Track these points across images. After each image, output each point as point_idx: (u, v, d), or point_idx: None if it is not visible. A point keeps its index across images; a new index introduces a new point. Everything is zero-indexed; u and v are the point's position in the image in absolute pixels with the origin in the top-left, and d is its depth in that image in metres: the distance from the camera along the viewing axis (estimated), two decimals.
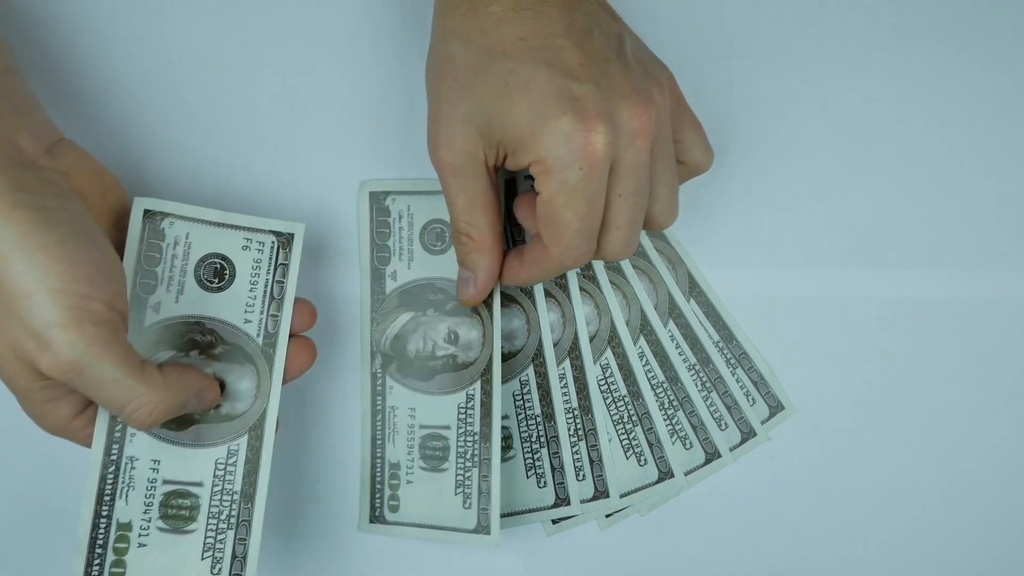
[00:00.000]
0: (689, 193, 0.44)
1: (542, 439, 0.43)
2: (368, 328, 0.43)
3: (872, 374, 0.45)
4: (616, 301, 0.44)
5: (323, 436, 0.44)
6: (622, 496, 0.44)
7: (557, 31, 0.35)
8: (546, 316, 0.44)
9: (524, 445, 0.43)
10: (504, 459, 0.43)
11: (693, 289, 0.45)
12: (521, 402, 0.44)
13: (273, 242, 0.40)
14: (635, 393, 0.44)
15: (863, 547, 0.45)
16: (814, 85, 0.45)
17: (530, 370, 0.44)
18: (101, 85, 0.43)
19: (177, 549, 0.37)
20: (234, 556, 0.37)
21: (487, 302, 0.42)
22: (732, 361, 0.45)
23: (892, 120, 0.45)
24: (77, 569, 0.37)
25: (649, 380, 0.44)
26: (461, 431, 0.42)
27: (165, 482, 0.37)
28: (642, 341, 0.45)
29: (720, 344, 0.45)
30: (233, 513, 0.37)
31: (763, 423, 0.45)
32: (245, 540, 0.37)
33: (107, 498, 0.37)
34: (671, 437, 0.44)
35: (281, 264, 0.39)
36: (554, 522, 0.44)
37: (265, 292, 0.39)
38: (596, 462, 0.43)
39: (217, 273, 0.39)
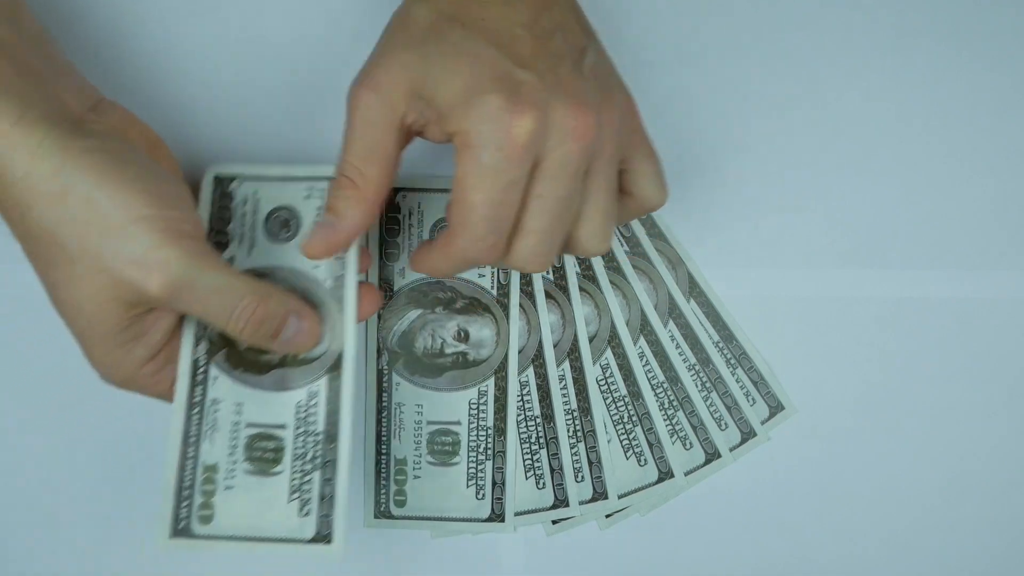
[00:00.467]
0: (690, 193, 0.44)
1: (541, 440, 0.44)
2: (375, 325, 0.43)
3: (872, 374, 0.45)
4: (616, 301, 0.44)
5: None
6: (621, 497, 0.44)
7: (520, 22, 0.35)
8: (546, 317, 0.44)
9: (523, 446, 0.44)
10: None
11: (693, 289, 0.45)
12: (520, 403, 0.44)
13: None
14: (635, 393, 0.44)
15: (863, 547, 0.45)
16: (814, 85, 0.45)
17: (530, 371, 0.44)
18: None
19: (264, 492, 0.37)
20: (322, 497, 0.37)
21: (503, 301, 0.43)
22: (732, 361, 0.45)
23: (892, 120, 0.45)
24: (165, 512, 0.37)
25: (649, 380, 0.44)
26: (473, 426, 0.43)
27: (249, 425, 0.38)
28: (642, 341, 0.45)
29: (720, 344, 0.45)
30: (318, 454, 0.37)
31: (763, 423, 0.45)
32: (332, 480, 0.37)
33: (192, 439, 0.37)
34: (671, 437, 0.44)
35: None
36: (554, 522, 0.44)
37: None
38: (595, 463, 0.44)
39: (284, 224, 0.40)
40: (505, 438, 0.43)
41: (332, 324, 0.38)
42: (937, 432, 0.45)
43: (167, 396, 0.37)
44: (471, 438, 0.43)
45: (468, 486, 0.43)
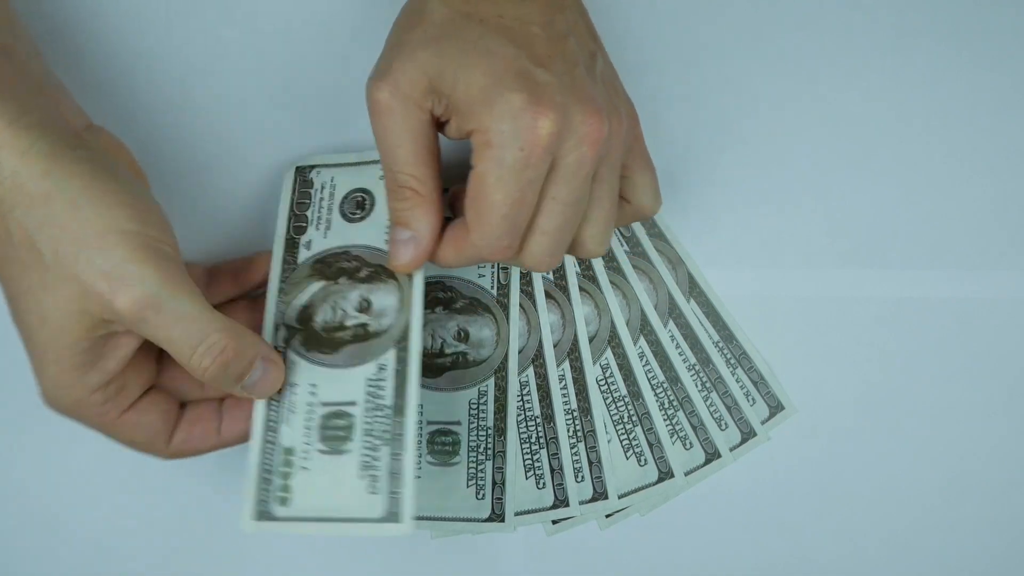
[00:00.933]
0: (689, 193, 0.44)
1: (541, 440, 0.44)
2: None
3: (872, 374, 0.45)
4: (616, 301, 0.44)
5: None
6: (621, 497, 0.44)
7: (535, 21, 0.34)
8: (546, 317, 0.44)
9: (523, 446, 0.44)
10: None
11: (693, 289, 0.45)
12: (520, 403, 0.44)
13: None
14: (635, 393, 0.44)
15: (863, 547, 0.45)
16: (814, 85, 0.45)
17: (530, 371, 0.44)
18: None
19: (335, 471, 0.37)
20: (391, 472, 0.36)
21: (503, 301, 0.43)
22: (732, 361, 0.45)
23: (892, 120, 0.45)
24: (248, 495, 0.37)
25: (649, 380, 0.44)
26: (473, 426, 0.42)
27: (323, 404, 0.38)
28: (642, 341, 0.45)
29: (720, 344, 0.45)
30: (386, 428, 0.37)
31: (763, 423, 0.45)
32: (400, 456, 0.36)
33: (272, 424, 0.38)
34: (671, 437, 0.44)
35: None
36: (554, 522, 0.44)
37: None
38: (595, 463, 0.44)
39: (359, 204, 0.41)
40: (505, 438, 0.43)
41: (402, 296, 0.38)
42: (937, 432, 0.45)
43: (109, 429, 0.35)
44: (471, 438, 0.43)
45: (468, 486, 0.43)
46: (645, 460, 0.44)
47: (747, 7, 0.45)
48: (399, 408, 0.37)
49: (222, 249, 0.43)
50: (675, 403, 0.44)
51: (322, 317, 0.39)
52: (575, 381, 0.44)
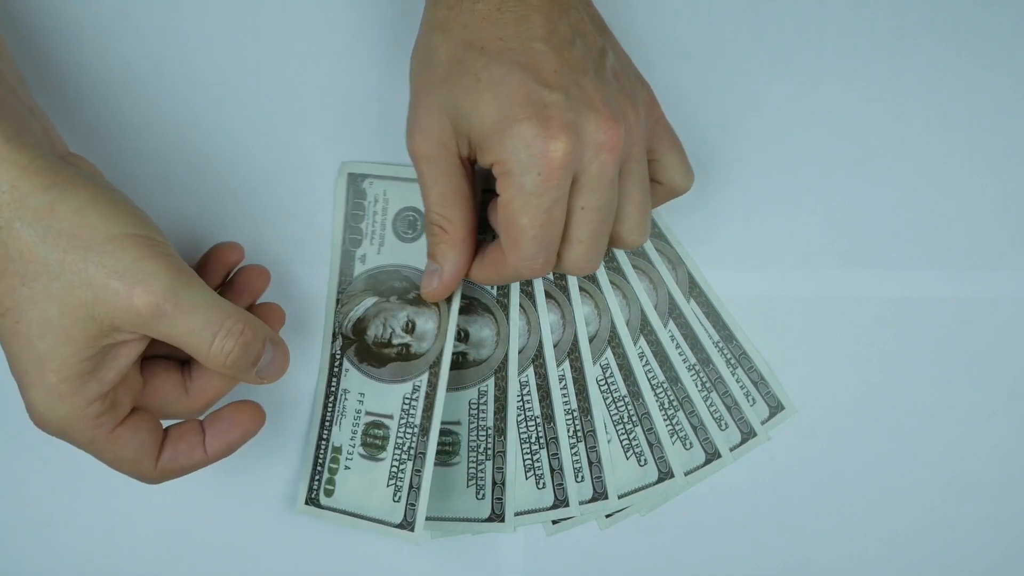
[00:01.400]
0: (689, 193, 0.44)
1: (541, 440, 0.44)
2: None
3: (872, 374, 0.45)
4: (616, 301, 0.44)
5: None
6: (621, 497, 0.44)
7: (538, 36, 0.35)
8: (546, 317, 0.44)
9: (523, 446, 0.44)
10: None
11: (693, 289, 0.45)
12: (520, 403, 0.44)
13: None
14: (635, 393, 0.44)
15: (863, 547, 0.45)
16: (814, 85, 0.45)
17: (530, 371, 0.44)
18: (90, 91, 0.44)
19: (371, 475, 0.42)
20: (411, 486, 0.41)
21: (502, 301, 0.43)
22: (732, 361, 0.45)
23: (892, 120, 0.45)
24: (302, 484, 0.42)
25: (649, 380, 0.44)
26: (473, 426, 0.43)
27: (367, 413, 0.42)
28: (642, 341, 0.45)
29: (720, 344, 0.45)
30: (412, 445, 0.42)
31: (763, 423, 0.45)
32: (420, 472, 0.41)
33: (327, 423, 0.43)
34: (671, 437, 0.44)
35: None
36: (554, 522, 0.44)
37: None
38: (595, 463, 0.44)
39: (411, 224, 0.43)
40: (505, 438, 0.43)
41: (440, 323, 0.42)
42: (937, 432, 0.45)
43: (100, 445, 0.35)
44: (471, 438, 0.43)
45: (468, 486, 0.43)
46: (645, 460, 0.44)
47: (747, 7, 0.45)
48: (425, 429, 0.41)
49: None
50: (675, 403, 0.44)
51: (373, 332, 0.43)
52: (575, 381, 0.44)
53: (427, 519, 0.43)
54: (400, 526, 0.41)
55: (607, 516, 0.44)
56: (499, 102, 0.34)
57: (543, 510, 0.43)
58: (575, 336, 0.44)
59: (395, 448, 0.42)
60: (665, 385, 0.44)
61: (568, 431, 0.44)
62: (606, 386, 0.44)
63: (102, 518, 0.44)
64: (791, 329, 0.45)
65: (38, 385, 0.33)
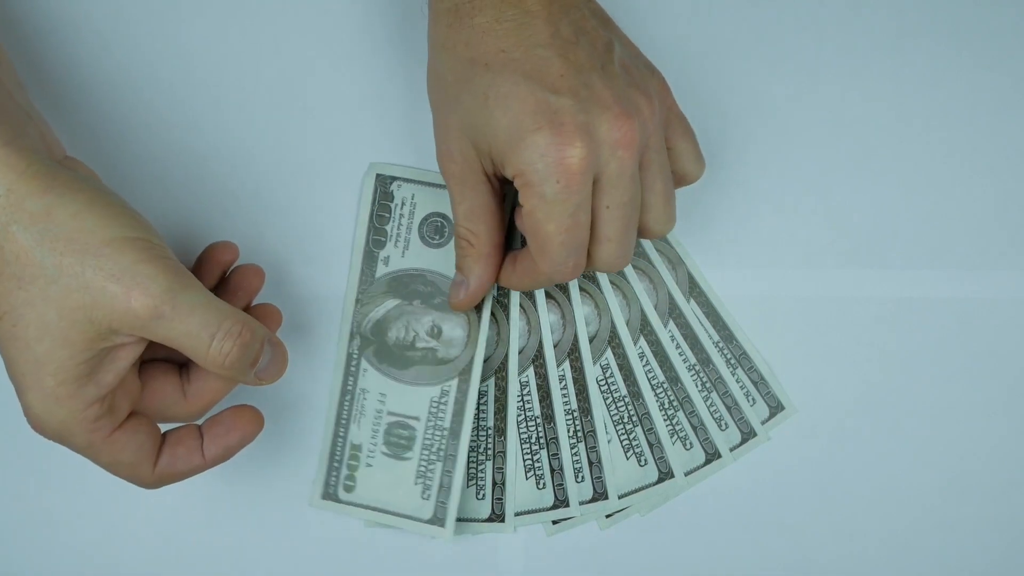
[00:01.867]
0: (689, 193, 0.44)
1: (541, 440, 0.44)
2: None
3: (872, 374, 0.45)
4: (616, 301, 0.44)
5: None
6: (621, 497, 0.44)
7: (540, 42, 0.35)
8: (547, 317, 0.44)
9: (523, 446, 0.44)
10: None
11: (693, 289, 0.45)
12: (520, 403, 0.44)
13: None
14: (635, 393, 0.44)
15: (863, 547, 0.45)
16: (814, 85, 0.45)
17: (530, 371, 0.44)
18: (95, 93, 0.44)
19: (395, 472, 0.43)
20: (440, 485, 0.42)
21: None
22: (732, 361, 0.45)
23: (892, 120, 0.45)
24: (319, 479, 0.43)
25: (649, 380, 0.44)
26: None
27: (389, 413, 0.43)
28: (642, 341, 0.45)
29: (720, 344, 0.45)
30: (442, 447, 0.42)
31: (763, 423, 0.45)
32: (451, 472, 0.42)
33: (344, 421, 0.43)
34: (671, 437, 0.44)
35: None
36: (554, 522, 0.44)
37: None
38: (595, 464, 0.44)
39: (437, 230, 0.43)
40: (505, 438, 0.43)
41: (470, 331, 0.43)
42: (937, 432, 0.45)
43: (98, 449, 0.35)
44: (471, 438, 0.43)
45: (468, 486, 0.43)
46: (645, 460, 0.44)
47: (747, 7, 0.45)
48: (455, 432, 0.42)
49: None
50: (675, 403, 0.44)
51: (395, 334, 0.43)
52: (575, 381, 0.44)
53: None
54: (431, 521, 0.42)
55: (607, 516, 0.44)
56: (510, 116, 0.34)
57: (543, 510, 0.43)
58: (575, 336, 0.44)
59: (423, 448, 0.42)
60: (665, 385, 0.44)
61: (568, 431, 0.44)
62: (606, 386, 0.44)
63: (102, 518, 0.44)
64: (791, 329, 0.45)
65: (35, 388, 0.33)
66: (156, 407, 0.37)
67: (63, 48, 0.43)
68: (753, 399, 0.45)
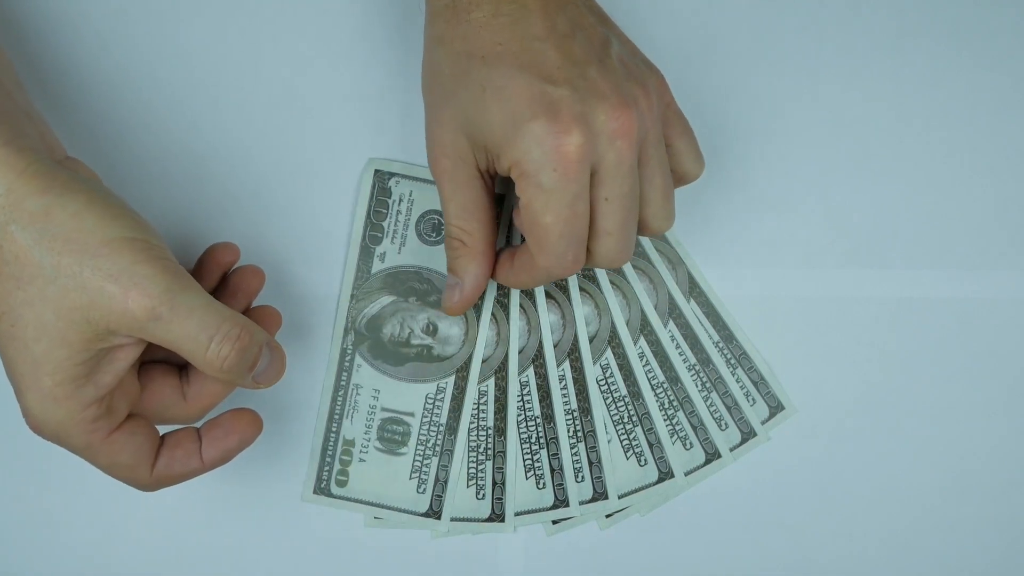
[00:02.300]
0: (689, 193, 0.44)
1: (541, 440, 0.44)
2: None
3: (872, 374, 0.45)
4: (616, 301, 0.44)
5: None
6: (621, 497, 0.44)
7: (537, 35, 0.35)
8: (547, 317, 0.44)
9: (523, 446, 0.44)
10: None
11: (693, 289, 0.45)
12: (520, 403, 0.44)
13: None
14: (635, 393, 0.44)
15: (863, 547, 0.45)
16: (814, 85, 0.45)
17: (530, 371, 0.44)
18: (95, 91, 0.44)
19: (390, 467, 0.43)
20: (436, 479, 0.43)
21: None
22: (732, 361, 0.45)
23: (892, 120, 0.45)
24: (311, 474, 0.43)
25: (649, 380, 0.44)
26: (472, 425, 0.43)
27: (383, 409, 0.43)
28: (642, 341, 0.45)
29: (720, 344, 0.45)
30: (438, 443, 0.43)
31: (763, 423, 0.45)
32: (447, 467, 0.43)
33: (336, 416, 0.43)
34: (671, 437, 0.44)
35: None
36: (554, 522, 0.44)
37: None
38: (595, 464, 0.44)
39: (435, 228, 0.43)
40: (505, 438, 0.43)
41: (467, 329, 0.43)
42: (937, 432, 0.45)
43: (95, 450, 0.35)
44: (471, 438, 0.43)
45: (468, 486, 0.43)
46: (645, 460, 0.44)
47: (747, 7, 0.45)
48: (452, 428, 0.43)
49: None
50: (675, 403, 0.44)
51: (390, 330, 0.43)
52: (575, 381, 0.44)
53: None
54: (426, 515, 0.42)
55: (607, 516, 0.44)
56: (505, 107, 0.34)
57: (543, 510, 0.43)
58: (575, 336, 0.44)
59: (418, 444, 0.43)
60: (665, 385, 0.44)
61: (568, 431, 0.44)
62: (606, 386, 0.44)
63: (102, 518, 0.44)
64: (791, 329, 0.45)
65: (33, 389, 0.33)
66: (155, 409, 0.37)
67: (63, 48, 0.43)
68: (753, 399, 0.45)
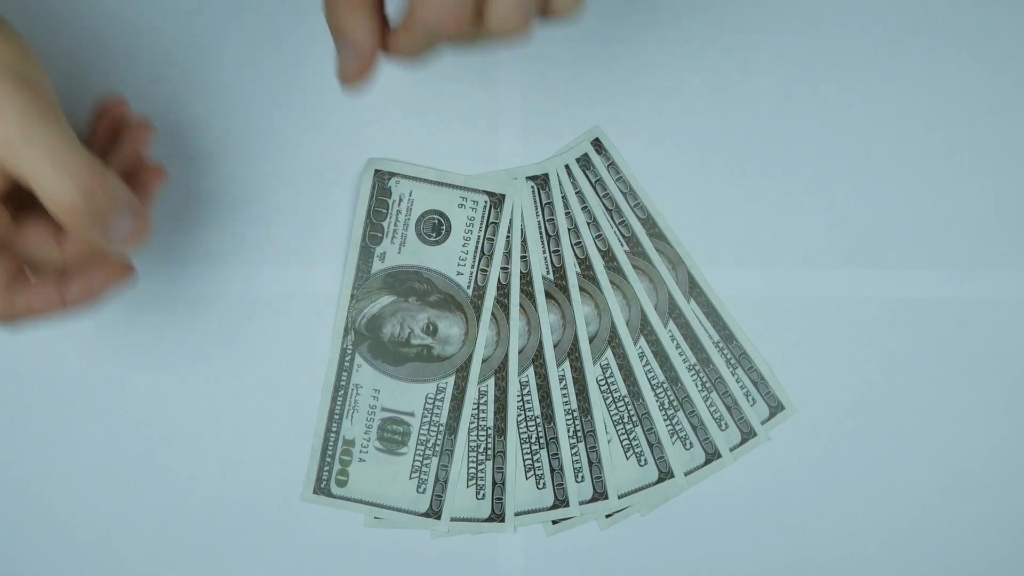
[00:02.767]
0: (689, 193, 0.44)
1: (541, 440, 0.44)
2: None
3: (872, 374, 0.45)
4: (616, 301, 0.44)
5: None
6: (621, 497, 0.44)
7: None
8: (547, 317, 0.44)
9: (523, 446, 0.44)
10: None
11: (693, 289, 0.45)
12: (520, 403, 0.44)
13: (486, 201, 0.43)
14: (635, 393, 0.44)
15: (863, 547, 0.45)
16: (814, 85, 0.45)
17: (530, 371, 0.44)
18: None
19: (390, 467, 0.43)
20: (436, 479, 0.43)
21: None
22: (732, 361, 0.45)
23: (892, 120, 0.45)
24: (311, 474, 0.43)
25: (649, 380, 0.44)
26: (472, 425, 0.43)
27: (383, 409, 0.43)
28: (642, 341, 0.45)
29: (720, 344, 0.45)
30: (438, 443, 0.43)
31: (763, 423, 0.45)
32: (447, 467, 0.43)
33: (336, 416, 0.43)
34: (671, 437, 0.44)
35: (492, 223, 0.43)
36: (554, 522, 0.44)
37: (476, 248, 0.43)
38: (595, 464, 0.44)
39: (435, 228, 0.44)
40: (505, 438, 0.43)
41: (467, 329, 0.43)
42: (937, 432, 0.45)
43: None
44: (470, 438, 0.43)
45: (468, 486, 0.43)
46: (645, 460, 0.44)
47: (747, 7, 0.45)
48: (452, 428, 0.43)
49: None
50: (675, 403, 0.44)
51: (389, 330, 0.43)
52: (575, 381, 0.44)
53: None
54: (426, 515, 0.43)
55: (607, 516, 0.44)
56: None
57: (543, 510, 0.43)
58: (575, 336, 0.44)
59: (418, 444, 0.43)
60: (665, 385, 0.44)
61: (568, 431, 0.44)
62: (606, 386, 0.44)
63: (102, 518, 0.44)
64: (791, 329, 0.45)
65: None
66: (26, 247, 0.34)
67: (63, 48, 0.43)
68: (753, 399, 0.45)
